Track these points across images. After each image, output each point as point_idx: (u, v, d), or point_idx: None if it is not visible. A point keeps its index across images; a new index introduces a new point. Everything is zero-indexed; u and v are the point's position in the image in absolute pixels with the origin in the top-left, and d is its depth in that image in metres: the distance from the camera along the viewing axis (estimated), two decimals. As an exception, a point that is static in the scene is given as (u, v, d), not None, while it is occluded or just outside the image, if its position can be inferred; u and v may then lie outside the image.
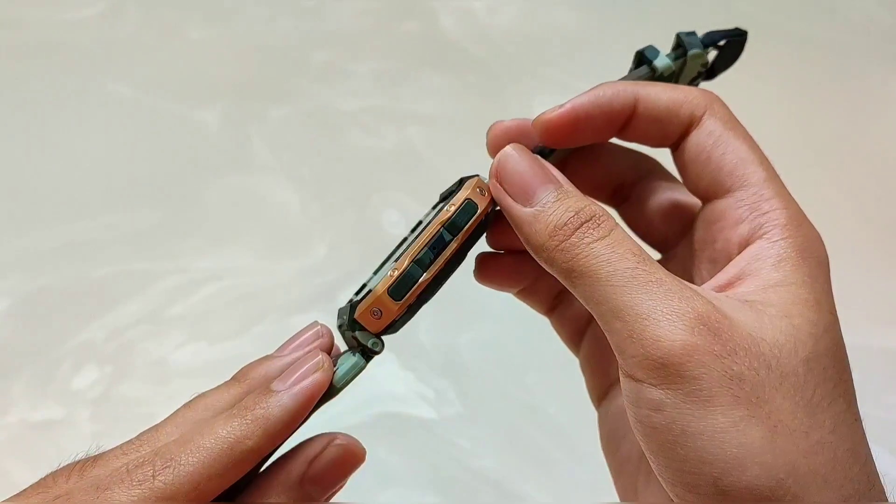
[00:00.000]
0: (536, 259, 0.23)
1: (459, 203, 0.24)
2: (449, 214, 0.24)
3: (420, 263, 0.23)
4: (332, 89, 0.63)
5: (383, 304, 0.23)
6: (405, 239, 0.26)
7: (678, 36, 0.28)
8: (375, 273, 0.25)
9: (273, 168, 0.58)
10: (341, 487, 0.24)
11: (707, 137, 0.24)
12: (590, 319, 0.29)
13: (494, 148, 0.27)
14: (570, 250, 0.22)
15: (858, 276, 0.53)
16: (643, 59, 0.27)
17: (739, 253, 0.23)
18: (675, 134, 0.25)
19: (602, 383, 0.29)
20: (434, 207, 0.26)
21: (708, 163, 0.24)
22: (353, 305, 0.23)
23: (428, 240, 0.23)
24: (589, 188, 0.29)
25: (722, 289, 0.23)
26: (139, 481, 0.21)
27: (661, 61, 0.27)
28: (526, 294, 0.29)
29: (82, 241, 0.54)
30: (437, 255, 0.23)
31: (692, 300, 0.21)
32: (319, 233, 0.55)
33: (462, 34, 0.66)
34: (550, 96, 0.33)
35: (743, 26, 0.28)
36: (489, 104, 0.62)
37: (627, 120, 0.25)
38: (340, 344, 0.25)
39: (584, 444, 0.46)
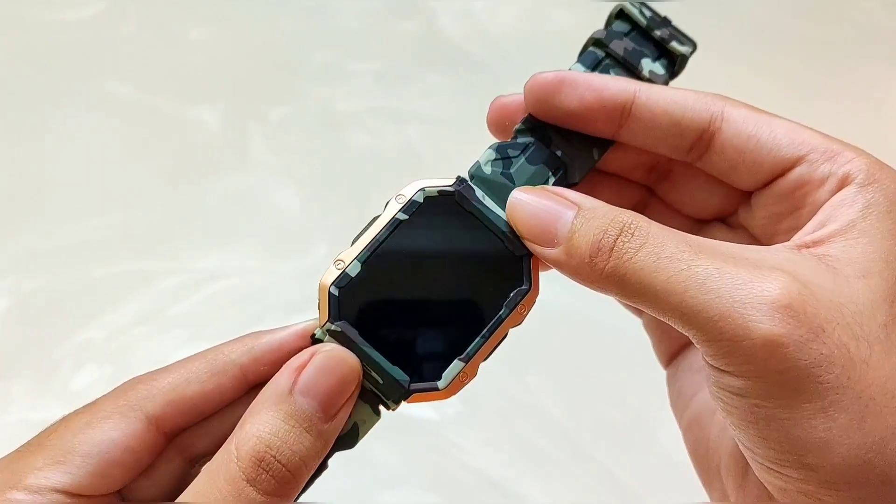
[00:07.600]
0: (599, 292, 0.22)
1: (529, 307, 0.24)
2: (522, 319, 0.24)
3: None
4: (332, 89, 0.62)
5: (435, 398, 0.24)
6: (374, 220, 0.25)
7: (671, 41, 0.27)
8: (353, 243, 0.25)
9: (273, 168, 0.58)
10: (344, 404, 0.22)
11: (744, 123, 0.23)
12: None
13: (494, 124, 0.27)
14: (618, 271, 0.20)
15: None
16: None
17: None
18: (694, 133, 0.24)
19: (670, 346, 0.28)
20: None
21: (758, 143, 0.23)
22: (407, 392, 0.23)
23: (497, 343, 0.24)
24: (626, 167, 0.28)
25: (806, 243, 0.21)
26: None
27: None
28: None
29: (82, 241, 0.54)
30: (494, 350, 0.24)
31: (764, 281, 0.19)
32: (319, 233, 0.55)
33: (462, 34, 0.66)
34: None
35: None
36: (489, 104, 0.62)
37: (625, 108, 0.24)
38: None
39: (584, 444, 0.46)
